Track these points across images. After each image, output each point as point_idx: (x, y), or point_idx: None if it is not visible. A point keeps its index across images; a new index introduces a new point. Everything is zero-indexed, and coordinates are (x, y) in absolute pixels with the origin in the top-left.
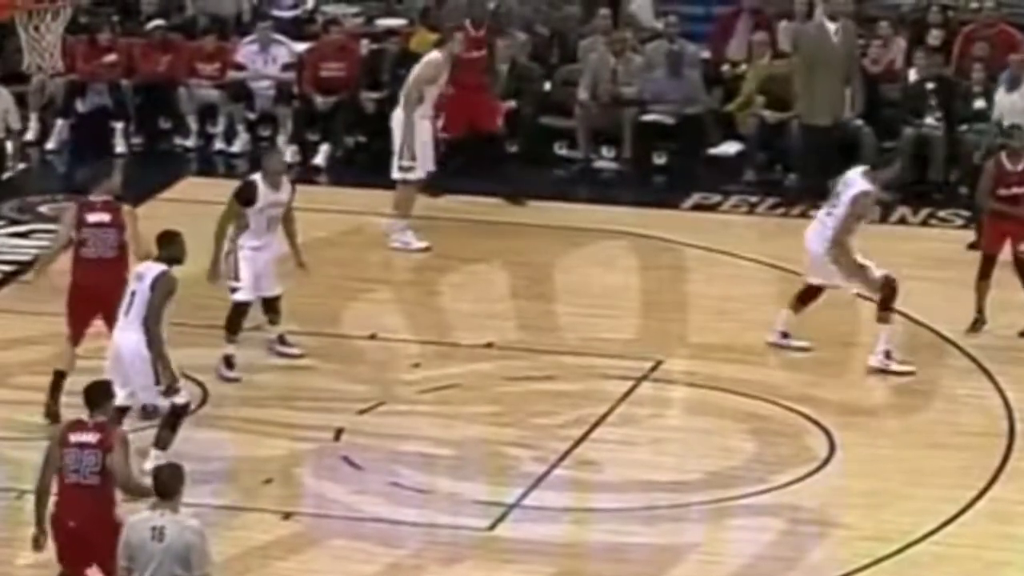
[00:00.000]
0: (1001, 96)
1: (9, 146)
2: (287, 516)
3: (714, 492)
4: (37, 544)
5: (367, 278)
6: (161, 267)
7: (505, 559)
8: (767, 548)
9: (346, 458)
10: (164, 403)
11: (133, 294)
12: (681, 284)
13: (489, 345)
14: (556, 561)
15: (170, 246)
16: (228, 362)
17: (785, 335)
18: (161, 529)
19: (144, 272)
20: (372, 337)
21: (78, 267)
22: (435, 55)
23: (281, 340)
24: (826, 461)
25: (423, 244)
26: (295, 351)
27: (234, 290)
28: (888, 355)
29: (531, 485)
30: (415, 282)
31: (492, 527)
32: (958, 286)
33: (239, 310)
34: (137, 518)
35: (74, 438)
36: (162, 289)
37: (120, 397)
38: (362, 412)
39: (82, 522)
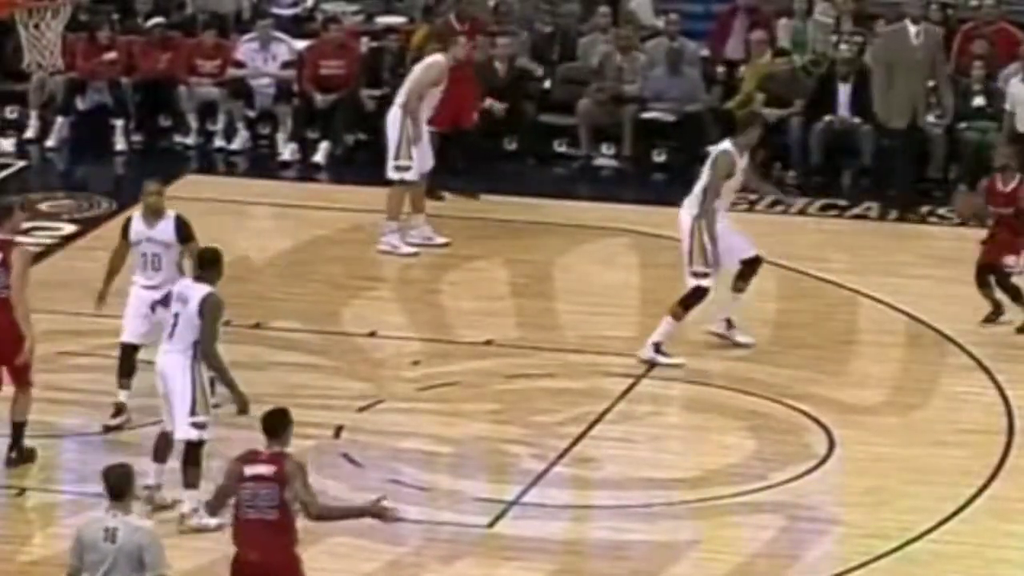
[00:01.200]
0: (1016, 87)
1: None
2: None
3: (713, 489)
4: None
5: (367, 276)
6: (205, 288)
7: (505, 556)
8: (766, 545)
9: (346, 455)
10: (193, 435)
11: (176, 316)
12: (680, 282)
13: (489, 343)
14: (556, 558)
15: (214, 265)
16: (116, 409)
17: (730, 324)
18: (114, 531)
19: (187, 294)
20: (372, 335)
21: None
22: (438, 58)
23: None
24: (825, 458)
25: (411, 250)
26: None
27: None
28: (658, 348)
29: (531, 482)
30: (415, 280)
31: (492, 524)
32: (958, 284)
33: (122, 352)
34: (90, 519)
35: (248, 471)
36: (212, 313)
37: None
38: (362, 409)
39: (264, 556)
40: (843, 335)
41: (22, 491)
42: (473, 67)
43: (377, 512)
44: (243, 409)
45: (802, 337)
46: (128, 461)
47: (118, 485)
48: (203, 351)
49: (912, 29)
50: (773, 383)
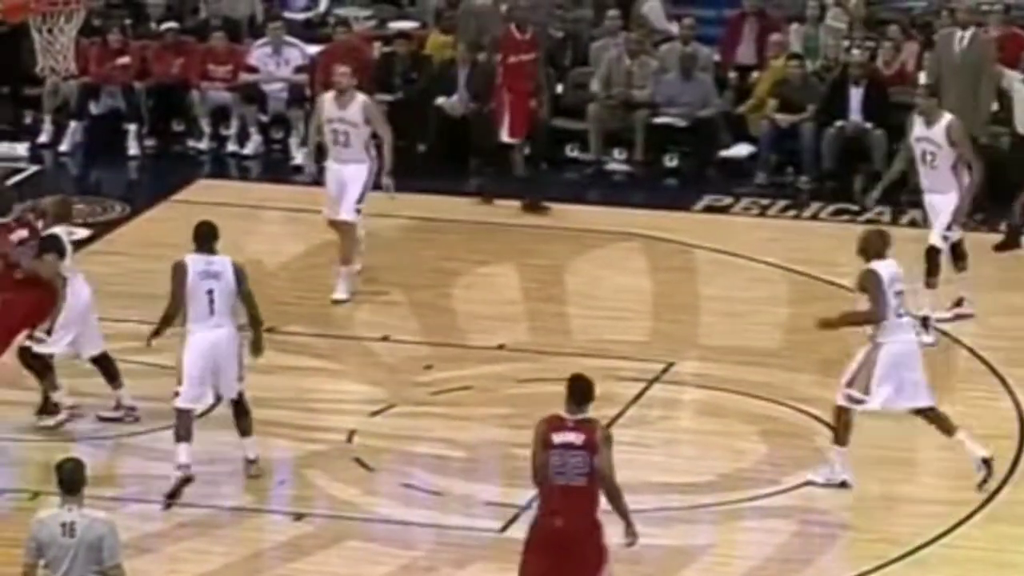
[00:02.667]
0: (1019, 89)
1: None
2: (299, 517)
3: (725, 494)
4: None
5: (379, 280)
6: (226, 258)
7: (516, 560)
8: (778, 550)
9: (358, 460)
10: (241, 389)
11: (211, 292)
12: (692, 286)
13: (501, 347)
14: None
15: (214, 235)
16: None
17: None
18: (71, 524)
19: (213, 269)
20: (384, 339)
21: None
22: (321, 95)
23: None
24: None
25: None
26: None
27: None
28: (926, 321)
29: None
30: (427, 284)
31: (504, 528)
32: (969, 287)
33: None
34: (46, 515)
35: (557, 439)
36: (245, 276)
37: (206, 399)
38: (374, 414)
39: (569, 523)
40: (855, 339)
41: (35, 495)
42: (533, 79)
43: (631, 535)
44: (259, 352)
45: (813, 341)
46: (140, 465)
47: (71, 479)
48: (254, 310)
49: (958, 34)
50: (785, 387)
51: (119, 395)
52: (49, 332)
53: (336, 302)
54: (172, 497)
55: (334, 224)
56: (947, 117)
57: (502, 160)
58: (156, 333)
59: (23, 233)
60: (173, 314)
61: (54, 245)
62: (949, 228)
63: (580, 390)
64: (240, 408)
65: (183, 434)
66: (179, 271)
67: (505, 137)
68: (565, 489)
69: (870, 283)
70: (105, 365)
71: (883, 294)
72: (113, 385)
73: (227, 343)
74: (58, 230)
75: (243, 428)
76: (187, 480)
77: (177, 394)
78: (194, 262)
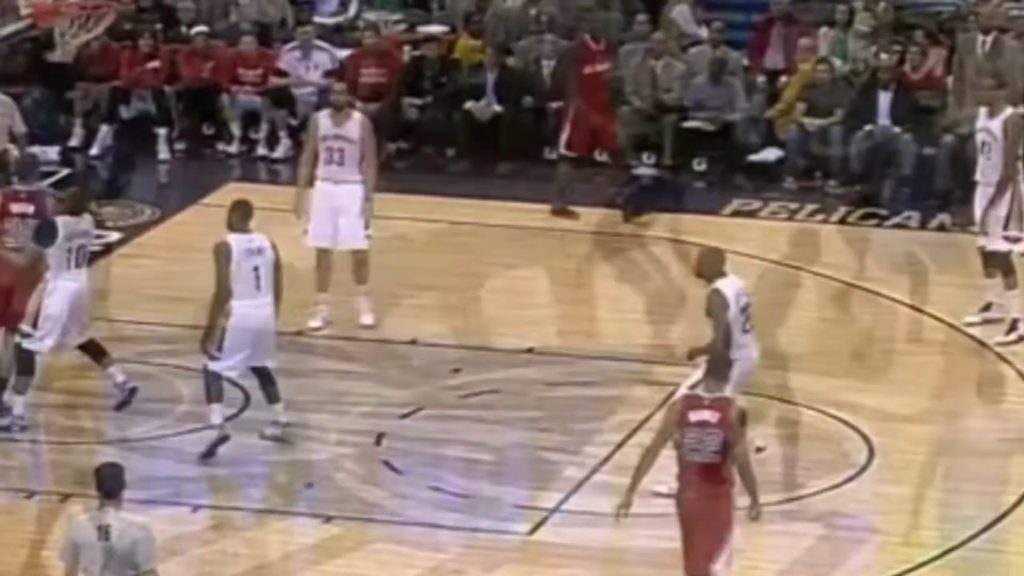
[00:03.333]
0: None
1: (15, 152)
2: (328, 520)
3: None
4: (618, 513)
5: (407, 283)
6: (263, 236)
7: (545, 563)
8: (805, 554)
9: (387, 463)
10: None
11: (257, 268)
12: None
13: (530, 350)
14: (596, 566)
15: (251, 213)
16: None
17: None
18: (107, 528)
19: (255, 246)
20: (413, 342)
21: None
22: (314, 115)
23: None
24: (864, 467)
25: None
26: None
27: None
28: (1015, 325)
29: (571, 490)
30: (456, 287)
31: (532, 532)
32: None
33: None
34: (83, 518)
35: (694, 417)
36: (277, 249)
37: (239, 369)
38: (403, 417)
39: (702, 497)
40: (883, 343)
41: (65, 497)
42: (608, 90)
43: (755, 510)
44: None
45: (841, 345)
46: (169, 467)
47: (110, 483)
48: (279, 282)
49: (980, 39)
50: (812, 391)
51: (111, 373)
52: (35, 325)
53: (365, 327)
54: (208, 456)
55: (323, 251)
56: (1008, 110)
57: (536, 164)
58: (210, 331)
59: (28, 208)
60: (223, 299)
61: (47, 233)
62: (1007, 228)
63: (719, 366)
64: (269, 376)
65: (215, 396)
66: (224, 252)
67: (562, 149)
68: (700, 466)
69: (714, 306)
70: (90, 348)
71: (727, 314)
72: (102, 363)
73: (270, 319)
74: (59, 220)
75: (273, 395)
76: (224, 439)
77: (213, 358)
78: (237, 241)
